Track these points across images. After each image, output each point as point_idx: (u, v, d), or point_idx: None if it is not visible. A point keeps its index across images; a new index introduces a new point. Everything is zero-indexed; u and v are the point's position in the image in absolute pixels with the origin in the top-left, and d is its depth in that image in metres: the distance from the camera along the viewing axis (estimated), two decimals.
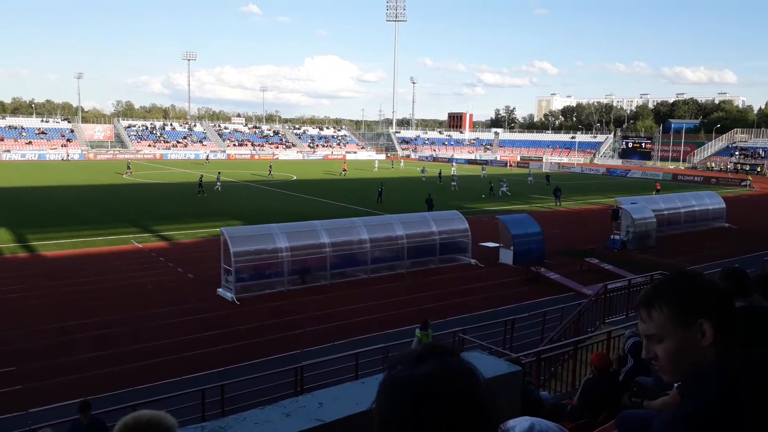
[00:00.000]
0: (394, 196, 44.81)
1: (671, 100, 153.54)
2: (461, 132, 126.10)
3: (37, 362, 13.40)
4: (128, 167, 61.06)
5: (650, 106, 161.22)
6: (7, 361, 13.42)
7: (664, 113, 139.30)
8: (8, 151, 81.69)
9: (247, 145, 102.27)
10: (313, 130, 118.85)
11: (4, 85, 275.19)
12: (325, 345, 14.67)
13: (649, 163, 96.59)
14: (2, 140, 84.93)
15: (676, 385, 1.55)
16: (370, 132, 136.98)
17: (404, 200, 41.60)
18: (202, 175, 49.06)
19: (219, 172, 49.83)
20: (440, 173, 62.05)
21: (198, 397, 10.28)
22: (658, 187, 50.63)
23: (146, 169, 68.90)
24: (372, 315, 17.33)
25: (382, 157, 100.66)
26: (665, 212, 31.84)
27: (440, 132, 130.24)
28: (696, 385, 1.44)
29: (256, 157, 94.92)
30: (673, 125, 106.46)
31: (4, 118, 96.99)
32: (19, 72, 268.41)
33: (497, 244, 25.12)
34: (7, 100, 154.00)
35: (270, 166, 65.69)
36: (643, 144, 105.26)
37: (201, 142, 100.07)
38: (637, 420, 3.24)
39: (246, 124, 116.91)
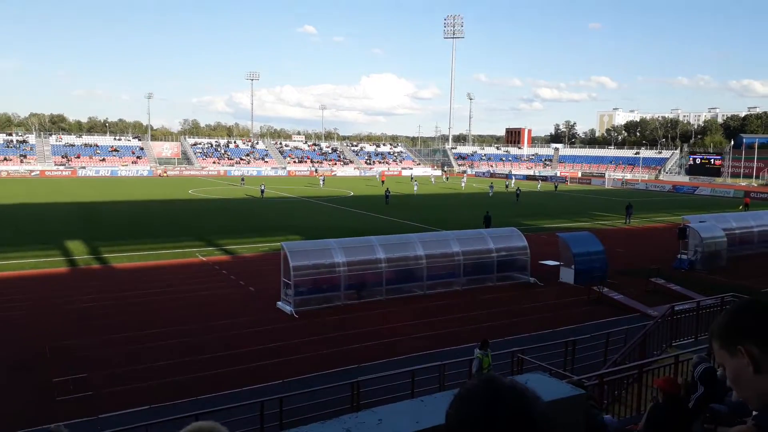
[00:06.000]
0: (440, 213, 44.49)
1: (742, 114, 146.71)
2: (519, 147, 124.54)
3: (107, 370, 14.00)
4: (242, 179, 74.50)
5: (719, 120, 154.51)
6: (79, 367, 14.09)
7: (734, 128, 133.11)
8: (84, 167, 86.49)
9: (306, 162, 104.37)
10: (370, 147, 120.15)
11: (81, 105, 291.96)
12: (381, 361, 14.67)
13: (719, 180, 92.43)
14: (79, 157, 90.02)
15: (754, 412, 1.50)
16: (426, 148, 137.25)
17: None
18: (262, 185, 59.66)
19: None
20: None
21: (257, 408, 10.47)
22: (748, 202, 48.43)
23: (210, 185, 71.34)
24: (428, 332, 17.22)
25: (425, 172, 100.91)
26: (737, 231, 30.31)
27: (497, 147, 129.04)
28: (764, 417, 1.39)
29: (315, 174, 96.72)
30: (744, 140, 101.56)
31: (80, 136, 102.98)
32: (94, 93, 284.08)
33: (557, 263, 24.54)
34: (84, 119, 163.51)
35: (322, 179, 73.63)
36: (712, 160, 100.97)
37: (263, 159, 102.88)
38: None
39: (306, 142, 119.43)
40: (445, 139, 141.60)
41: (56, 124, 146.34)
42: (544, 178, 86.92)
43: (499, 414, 1.22)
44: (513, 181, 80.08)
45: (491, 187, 67.31)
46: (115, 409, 11.75)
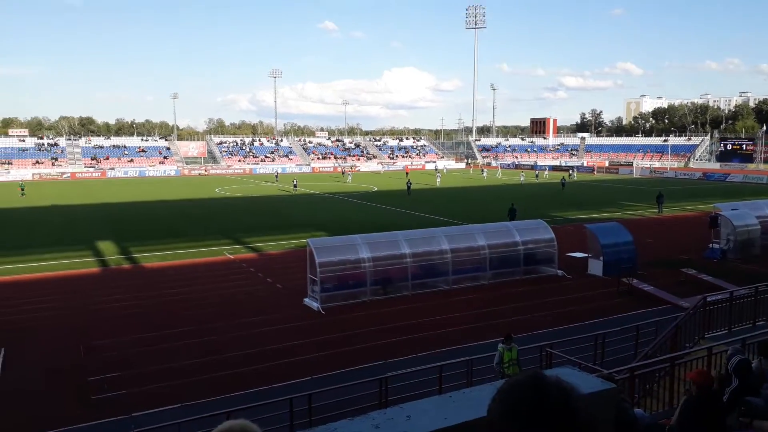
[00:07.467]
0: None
1: None
2: (545, 138, 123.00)
3: (139, 368, 14.29)
4: (276, 176, 74.10)
5: (751, 104, 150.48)
6: (112, 366, 14.40)
7: (767, 112, 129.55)
8: (113, 168, 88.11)
9: (330, 158, 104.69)
10: (393, 142, 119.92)
11: (109, 107, 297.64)
12: (408, 356, 14.70)
13: (752, 166, 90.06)
14: (108, 159, 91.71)
15: None
16: (450, 141, 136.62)
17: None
18: (294, 180, 63.32)
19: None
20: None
21: (287, 405, 10.57)
22: None
23: (237, 183, 72.05)
24: (454, 327, 17.19)
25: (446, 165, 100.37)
26: None
27: (522, 138, 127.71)
28: None
29: (339, 169, 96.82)
30: None
31: (108, 138, 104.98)
32: (121, 95, 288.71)
33: (586, 255, 24.25)
34: (112, 121, 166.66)
35: (343, 172, 78.50)
36: (744, 145, 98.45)
37: (287, 156, 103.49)
38: None
39: (329, 138, 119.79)
40: (468, 131, 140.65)
41: (85, 127, 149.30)
42: (569, 168, 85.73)
43: (544, 408, 1.24)
44: (546, 171, 79.79)
45: (522, 176, 70.98)
46: (147, 407, 11.97)
